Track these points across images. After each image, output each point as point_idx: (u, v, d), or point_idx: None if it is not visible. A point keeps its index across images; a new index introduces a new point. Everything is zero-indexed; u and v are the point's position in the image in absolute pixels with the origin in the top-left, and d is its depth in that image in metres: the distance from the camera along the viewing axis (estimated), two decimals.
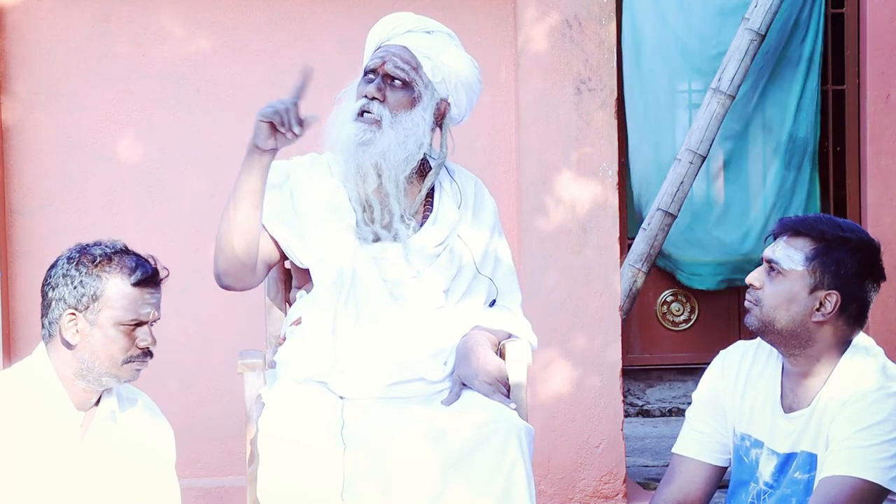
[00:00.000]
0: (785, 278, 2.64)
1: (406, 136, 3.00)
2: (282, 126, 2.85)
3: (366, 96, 3.00)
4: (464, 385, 2.94)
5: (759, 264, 2.71)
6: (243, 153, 4.27)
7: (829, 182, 6.28)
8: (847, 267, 2.60)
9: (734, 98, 5.40)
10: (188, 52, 4.31)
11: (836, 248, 2.61)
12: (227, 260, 3.00)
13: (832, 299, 2.61)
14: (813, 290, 2.62)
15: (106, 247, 2.65)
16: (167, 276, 2.69)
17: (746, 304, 2.71)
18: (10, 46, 4.24)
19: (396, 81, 3.01)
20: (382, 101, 2.99)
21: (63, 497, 2.59)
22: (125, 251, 2.65)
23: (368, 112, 2.99)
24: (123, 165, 4.30)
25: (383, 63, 3.01)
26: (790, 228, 2.66)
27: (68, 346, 2.60)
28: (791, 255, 2.63)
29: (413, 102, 3.02)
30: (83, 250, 2.64)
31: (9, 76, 4.25)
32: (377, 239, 3.03)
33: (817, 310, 2.62)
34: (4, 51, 4.24)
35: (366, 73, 3.04)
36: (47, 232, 4.26)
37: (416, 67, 3.02)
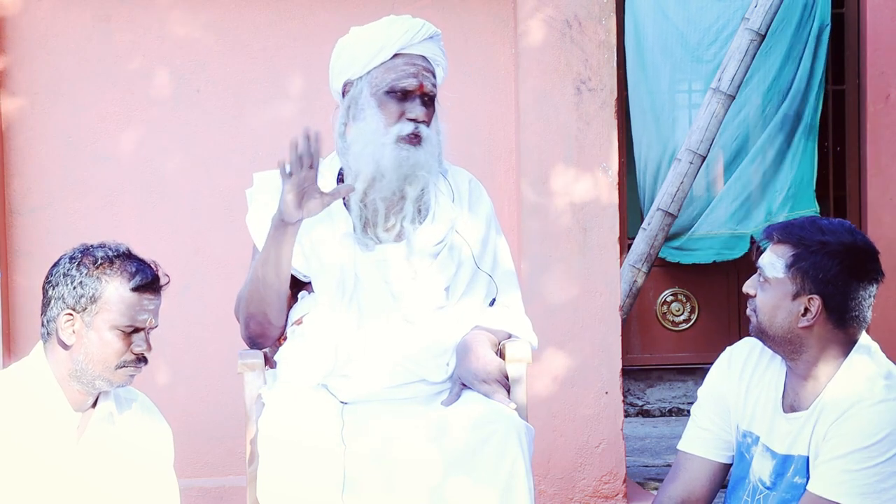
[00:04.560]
0: (771, 286, 2.65)
1: (437, 145, 3.03)
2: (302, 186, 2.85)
3: (415, 120, 2.97)
4: (464, 385, 2.94)
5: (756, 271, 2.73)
6: (243, 153, 4.27)
7: (829, 182, 6.30)
8: (826, 271, 2.60)
9: (734, 98, 5.41)
10: (188, 52, 4.31)
11: (814, 253, 2.61)
12: (260, 325, 3.03)
13: (815, 304, 2.61)
14: (795, 296, 2.63)
15: (109, 249, 2.64)
16: (168, 283, 2.68)
17: (748, 312, 2.73)
18: (10, 46, 4.24)
19: (427, 98, 3.01)
20: (426, 123, 3.00)
21: (61, 497, 2.59)
22: (128, 255, 2.64)
23: (417, 134, 2.98)
24: (123, 165, 4.30)
25: (422, 85, 2.99)
26: (774, 235, 2.67)
27: (64, 346, 2.60)
28: (774, 262, 2.65)
29: (435, 112, 3.04)
30: (86, 251, 2.63)
31: (9, 76, 4.25)
32: (378, 241, 3.03)
33: (802, 315, 2.62)
34: (4, 51, 4.24)
35: (395, 91, 2.97)
36: (47, 232, 4.26)
37: (436, 78, 3.04)
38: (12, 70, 4.25)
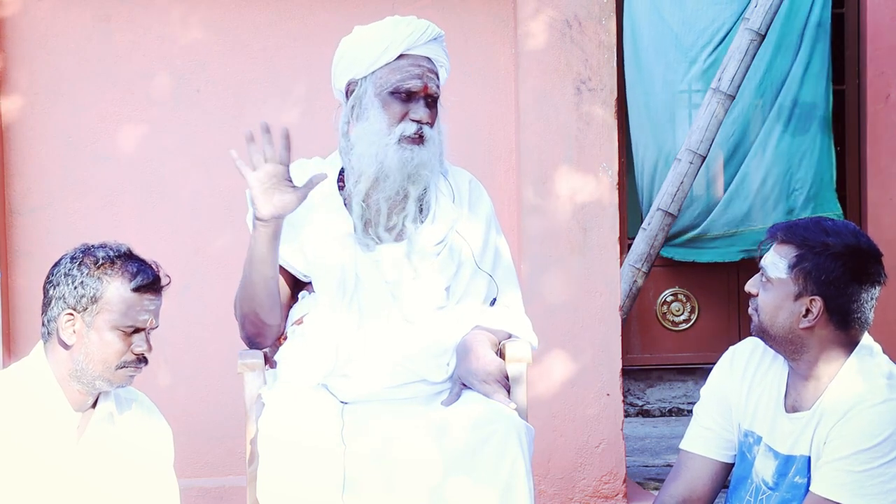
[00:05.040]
0: (773, 286, 2.65)
1: (439, 145, 3.03)
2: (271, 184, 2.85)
3: (419, 121, 2.97)
4: (464, 385, 2.94)
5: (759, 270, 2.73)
6: (243, 153, 4.29)
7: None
8: (829, 273, 2.60)
9: (734, 98, 5.41)
10: (188, 53, 4.31)
11: (817, 255, 2.60)
12: (254, 326, 3.03)
13: (816, 305, 2.61)
14: (797, 297, 2.63)
15: (110, 249, 2.64)
16: (169, 283, 2.68)
17: (749, 311, 2.73)
18: (10, 46, 4.24)
19: (430, 99, 3.01)
20: (430, 124, 2.99)
21: (61, 497, 2.59)
22: (129, 255, 2.65)
23: (420, 135, 2.97)
24: (123, 165, 4.30)
25: (426, 86, 2.99)
26: (778, 235, 2.67)
27: (64, 346, 2.60)
28: (776, 262, 2.65)
29: (437, 113, 3.04)
30: (87, 251, 2.63)
31: (9, 76, 4.25)
32: (378, 241, 3.03)
33: (804, 316, 2.62)
34: (4, 51, 4.24)
35: (399, 92, 2.97)
36: (47, 232, 4.26)
37: (439, 79, 3.04)
38: (12, 70, 4.25)
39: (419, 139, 2.97)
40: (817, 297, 2.61)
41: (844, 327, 2.64)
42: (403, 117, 2.97)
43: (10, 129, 4.26)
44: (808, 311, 2.62)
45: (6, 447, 2.56)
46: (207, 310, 4.27)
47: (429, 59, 3.02)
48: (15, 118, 4.26)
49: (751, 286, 2.71)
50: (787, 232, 2.66)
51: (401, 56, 3.00)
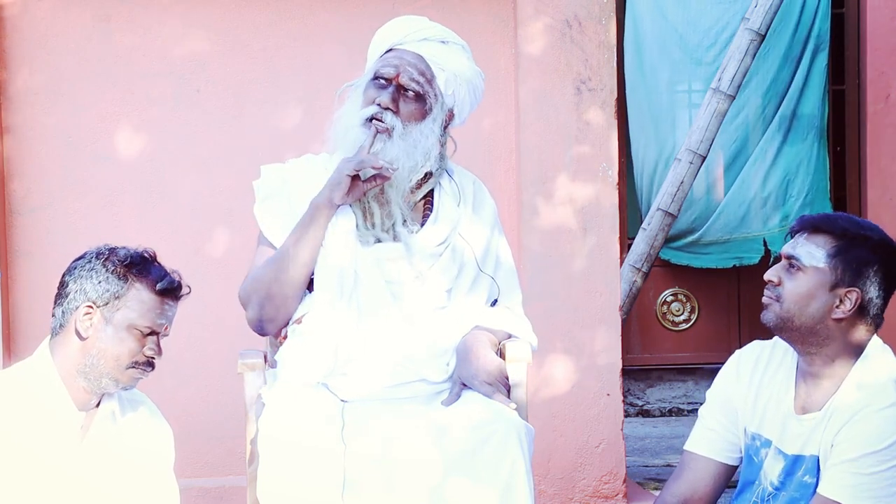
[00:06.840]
0: (805, 275, 2.62)
1: (415, 147, 3.01)
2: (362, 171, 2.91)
3: (379, 104, 2.98)
4: (464, 385, 2.94)
5: (777, 261, 2.70)
6: (243, 153, 4.26)
7: (830, 182, 6.30)
8: (868, 265, 2.59)
9: (734, 98, 5.41)
10: (188, 52, 4.31)
11: (857, 246, 2.59)
12: (276, 309, 3.01)
13: (852, 297, 2.60)
14: (833, 287, 2.60)
15: (137, 250, 2.67)
16: (189, 293, 2.71)
17: (765, 300, 2.68)
18: (10, 46, 4.24)
19: (410, 93, 3.00)
20: (395, 112, 2.98)
21: (63, 497, 2.59)
22: (154, 259, 2.69)
23: (379, 120, 2.98)
24: (123, 165, 4.30)
25: (398, 74, 2.99)
26: (810, 225, 2.65)
27: (80, 337, 2.61)
28: (812, 251, 2.62)
29: (424, 114, 3.02)
30: (113, 249, 2.66)
31: (9, 76, 4.25)
32: (378, 241, 3.03)
33: (837, 307, 2.61)
34: (4, 51, 4.24)
35: (376, 78, 3.01)
36: (47, 232, 4.26)
37: (431, 79, 3.02)
38: (12, 69, 4.25)
39: (384, 129, 2.97)
40: (854, 289, 2.59)
41: (870, 322, 2.63)
42: (373, 102, 3.00)
43: (10, 129, 4.26)
44: (841, 302, 2.61)
45: (10, 447, 2.56)
46: (207, 310, 4.27)
47: (420, 56, 3.02)
48: (15, 118, 4.26)
49: (772, 274, 2.66)
50: (824, 222, 2.63)
51: (390, 50, 3.04)
